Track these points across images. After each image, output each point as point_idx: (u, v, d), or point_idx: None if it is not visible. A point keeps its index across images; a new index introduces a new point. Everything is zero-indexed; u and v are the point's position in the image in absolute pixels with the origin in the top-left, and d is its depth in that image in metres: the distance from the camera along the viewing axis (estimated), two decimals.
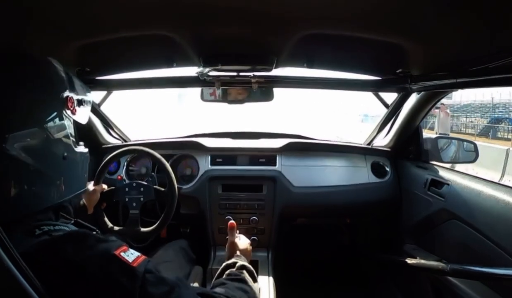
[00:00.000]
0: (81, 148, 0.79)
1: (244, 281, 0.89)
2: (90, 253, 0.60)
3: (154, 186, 1.50)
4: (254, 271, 1.00)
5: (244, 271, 0.95)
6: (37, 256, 0.57)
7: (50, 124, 0.68)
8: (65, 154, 0.72)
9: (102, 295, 0.58)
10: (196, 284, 1.43)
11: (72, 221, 0.80)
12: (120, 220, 1.52)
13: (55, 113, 0.70)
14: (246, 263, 1.01)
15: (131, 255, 0.64)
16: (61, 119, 0.71)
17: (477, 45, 1.01)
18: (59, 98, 0.72)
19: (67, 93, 0.73)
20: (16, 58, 0.70)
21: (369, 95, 1.86)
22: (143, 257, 0.67)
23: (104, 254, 0.61)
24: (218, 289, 0.81)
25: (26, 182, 0.65)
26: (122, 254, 0.63)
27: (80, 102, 0.79)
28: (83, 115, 0.80)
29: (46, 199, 0.69)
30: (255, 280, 0.96)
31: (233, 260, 1.03)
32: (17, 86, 0.65)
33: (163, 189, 1.51)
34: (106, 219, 1.44)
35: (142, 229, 1.44)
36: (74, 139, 0.76)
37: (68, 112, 0.73)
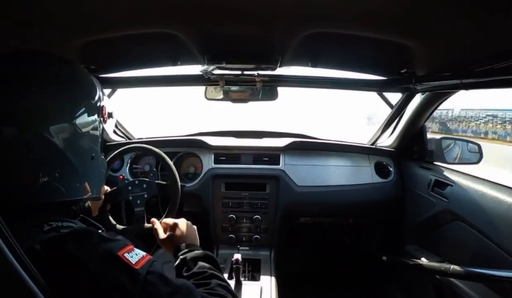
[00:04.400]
0: (103, 156, 0.86)
1: (215, 278, 0.81)
2: (93, 251, 0.61)
3: (157, 181, 1.50)
4: (212, 256, 0.90)
5: (205, 266, 0.85)
6: (42, 253, 0.58)
7: (86, 124, 0.75)
8: (93, 154, 0.79)
9: (102, 294, 0.58)
10: None
11: (79, 218, 0.81)
12: (125, 219, 1.52)
13: (92, 117, 0.77)
14: (196, 253, 0.90)
15: (135, 256, 0.64)
16: (95, 123, 0.78)
17: (483, 46, 1.00)
18: (96, 105, 0.79)
19: (102, 103, 0.82)
20: (59, 60, 0.76)
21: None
22: (148, 257, 0.67)
23: (106, 254, 0.62)
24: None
25: (56, 170, 0.69)
26: (126, 255, 0.63)
27: (110, 115, 0.87)
28: (110, 126, 0.89)
29: (67, 193, 0.72)
30: (217, 266, 0.88)
31: (180, 257, 0.91)
32: (63, 85, 0.72)
33: (165, 182, 1.51)
34: (111, 219, 1.44)
35: (147, 225, 1.44)
36: (100, 146, 0.83)
37: (101, 119, 0.81)
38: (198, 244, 1.02)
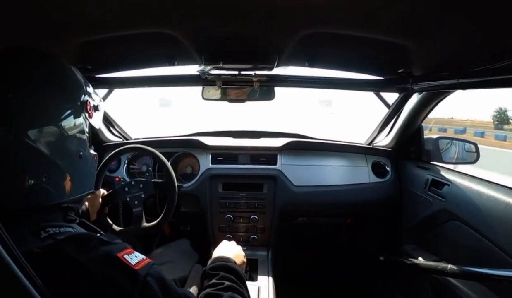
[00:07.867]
0: (92, 151, 0.84)
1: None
2: (93, 253, 0.61)
3: (153, 180, 1.49)
4: (235, 268, 0.92)
5: (226, 277, 0.87)
6: (41, 256, 0.57)
7: (71, 123, 0.73)
8: (81, 153, 0.76)
9: (102, 295, 0.58)
10: (194, 286, 1.42)
11: (77, 221, 0.80)
12: (124, 220, 1.51)
13: (76, 114, 0.75)
14: (219, 264, 0.93)
15: (134, 258, 0.64)
16: (80, 120, 0.76)
17: (479, 46, 1.01)
18: (80, 101, 0.77)
19: (86, 98, 0.79)
20: (42, 57, 0.73)
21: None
22: (147, 260, 0.67)
23: (106, 255, 0.62)
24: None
25: (43, 174, 0.67)
26: (125, 256, 0.63)
27: (96, 108, 0.84)
28: (97, 119, 0.86)
29: (58, 194, 0.71)
30: (240, 278, 0.89)
31: (204, 268, 0.94)
32: (44, 84, 0.70)
33: (162, 180, 1.50)
34: (110, 221, 1.44)
35: (145, 224, 1.43)
36: (88, 141, 0.81)
37: (86, 115, 0.78)
38: (232, 259, 1.00)
